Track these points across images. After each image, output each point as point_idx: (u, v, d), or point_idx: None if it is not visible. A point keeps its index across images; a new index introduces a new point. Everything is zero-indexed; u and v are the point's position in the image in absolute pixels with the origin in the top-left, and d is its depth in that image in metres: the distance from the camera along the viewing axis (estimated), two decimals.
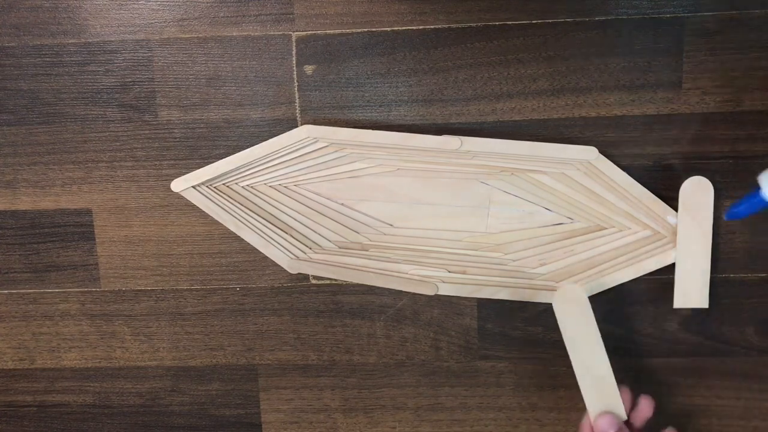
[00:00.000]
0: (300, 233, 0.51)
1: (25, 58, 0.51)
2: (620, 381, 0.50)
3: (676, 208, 0.48)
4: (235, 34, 0.50)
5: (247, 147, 0.49)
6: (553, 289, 0.50)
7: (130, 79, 0.51)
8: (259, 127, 0.51)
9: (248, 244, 0.51)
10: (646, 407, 0.46)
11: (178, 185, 0.50)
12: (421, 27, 0.49)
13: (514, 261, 0.50)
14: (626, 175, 0.48)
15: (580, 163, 0.48)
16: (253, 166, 0.50)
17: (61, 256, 0.53)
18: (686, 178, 0.48)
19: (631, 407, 0.47)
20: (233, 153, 0.49)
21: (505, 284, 0.50)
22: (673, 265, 0.49)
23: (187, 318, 0.54)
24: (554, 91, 0.49)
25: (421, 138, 0.48)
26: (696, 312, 0.51)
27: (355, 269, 0.51)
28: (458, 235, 0.51)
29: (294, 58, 0.50)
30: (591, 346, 0.46)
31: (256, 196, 0.51)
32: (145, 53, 0.50)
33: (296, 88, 0.50)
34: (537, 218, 0.50)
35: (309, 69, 0.50)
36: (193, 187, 0.50)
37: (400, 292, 0.52)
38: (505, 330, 0.52)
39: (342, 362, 0.54)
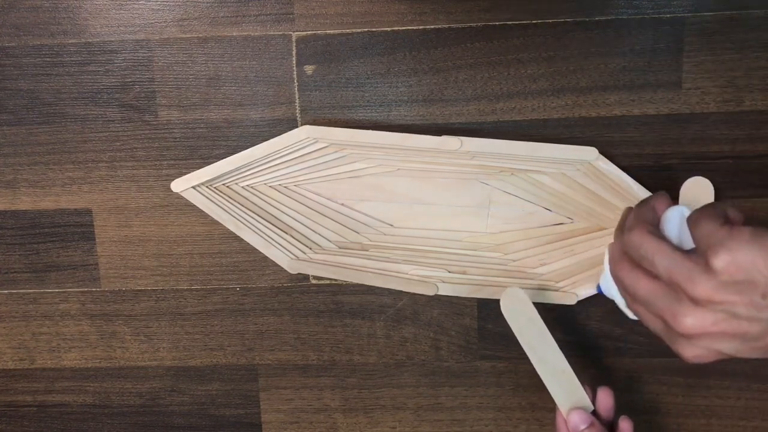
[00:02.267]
0: (300, 233, 0.51)
1: (25, 58, 0.51)
2: (621, 381, 0.50)
3: None
4: (235, 34, 0.50)
5: (247, 147, 0.49)
6: (555, 289, 0.50)
7: (130, 79, 0.51)
8: (259, 127, 0.51)
9: (248, 244, 0.51)
10: (605, 398, 0.46)
11: (178, 185, 0.50)
12: (421, 27, 0.49)
13: (514, 261, 0.50)
14: (626, 175, 0.48)
15: (580, 163, 0.48)
16: (253, 166, 0.50)
17: (61, 256, 0.53)
18: (686, 178, 0.48)
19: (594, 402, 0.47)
20: (233, 153, 0.49)
21: (505, 284, 0.50)
22: None
23: (187, 318, 0.54)
24: (554, 91, 0.49)
25: (420, 138, 0.48)
26: None
27: (355, 269, 0.51)
28: (458, 235, 0.51)
29: (294, 58, 0.50)
30: (544, 344, 0.46)
31: (256, 196, 0.51)
32: (145, 53, 0.50)
33: (296, 88, 0.50)
34: (537, 218, 0.50)
35: (309, 69, 0.50)
36: (193, 187, 0.50)
37: (400, 292, 0.51)
38: (505, 330, 0.52)
39: (342, 362, 0.54)
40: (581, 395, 0.46)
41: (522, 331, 0.46)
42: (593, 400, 0.46)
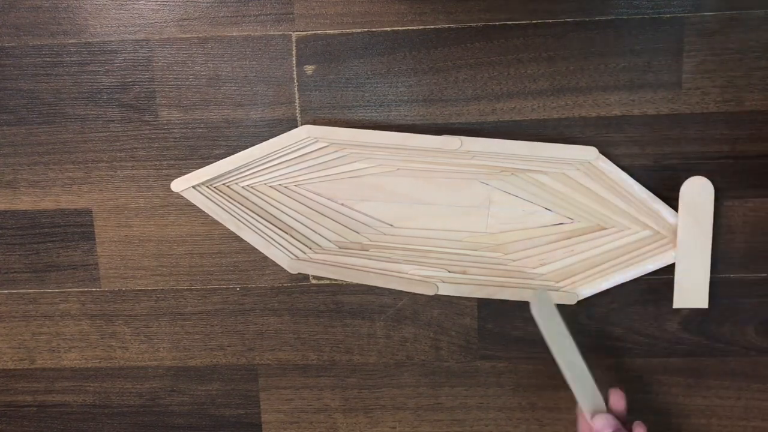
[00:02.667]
0: (300, 233, 0.51)
1: (25, 58, 0.51)
2: (621, 382, 0.50)
3: (676, 208, 0.48)
4: (235, 34, 0.50)
5: (247, 147, 0.49)
6: (555, 289, 0.50)
7: (130, 79, 0.51)
8: (259, 127, 0.51)
9: (248, 244, 0.51)
10: (618, 401, 0.46)
11: (178, 185, 0.50)
12: (421, 27, 0.49)
13: (514, 261, 0.50)
14: (626, 175, 0.48)
15: (580, 163, 0.48)
16: (253, 166, 0.50)
17: (61, 256, 0.53)
18: (686, 178, 0.48)
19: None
20: (233, 153, 0.49)
21: (505, 284, 0.50)
22: (673, 265, 0.49)
23: (187, 318, 0.54)
24: (554, 91, 0.49)
25: (421, 138, 0.48)
26: (696, 312, 0.51)
27: (355, 269, 0.51)
28: (458, 235, 0.51)
29: (294, 58, 0.50)
30: (570, 345, 0.46)
31: (256, 196, 0.51)
32: (145, 53, 0.50)
33: (296, 88, 0.50)
34: (537, 218, 0.50)
35: (309, 69, 0.50)
36: (194, 187, 0.50)
37: (400, 292, 0.51)
38: (505, 330, 0.52)
39: (342, 362, 0.54)
40: (599, 398, 0.46)
41: (550, 332, 0.46)
42: (606, 402, 0.46)
